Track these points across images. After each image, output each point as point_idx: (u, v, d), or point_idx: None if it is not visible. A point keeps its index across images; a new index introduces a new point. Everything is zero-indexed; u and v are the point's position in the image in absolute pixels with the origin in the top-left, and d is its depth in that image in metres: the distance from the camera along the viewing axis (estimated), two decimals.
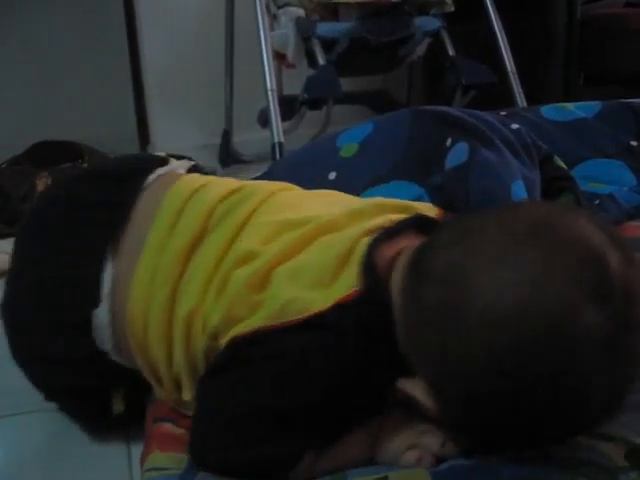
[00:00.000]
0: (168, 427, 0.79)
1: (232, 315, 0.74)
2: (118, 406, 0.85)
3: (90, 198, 0.87)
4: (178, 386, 0.79)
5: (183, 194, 0.84)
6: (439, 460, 0.70)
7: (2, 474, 0.88)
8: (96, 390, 0.85)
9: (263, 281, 0.75)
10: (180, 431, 0.78)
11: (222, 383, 0.72)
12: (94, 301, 0.80)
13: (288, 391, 0.70)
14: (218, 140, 2.60)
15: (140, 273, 0.80)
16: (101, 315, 0.80)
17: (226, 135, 2.59)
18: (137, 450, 0.79)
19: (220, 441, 0.70)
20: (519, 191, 1.20)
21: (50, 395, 0.90)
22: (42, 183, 1.97)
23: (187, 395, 0.78)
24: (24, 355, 0.87)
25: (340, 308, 0.71)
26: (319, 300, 0.71)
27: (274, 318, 0.72)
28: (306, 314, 0.71)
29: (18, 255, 0.89)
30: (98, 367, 0.83)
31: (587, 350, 0.60)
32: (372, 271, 0.72)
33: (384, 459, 0.72)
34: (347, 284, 0.72)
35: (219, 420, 0.71)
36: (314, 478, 0.71)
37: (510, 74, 2.24)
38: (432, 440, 0.71)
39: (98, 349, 0.81)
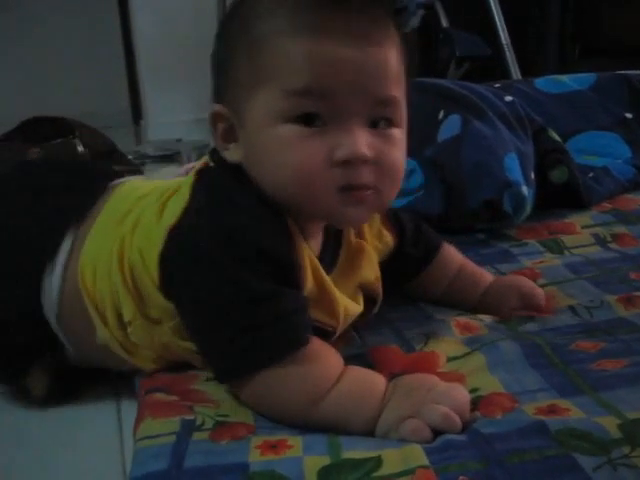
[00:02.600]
0: (160, 396, 0.78)
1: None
2: (38, 389, 0.88)
3: (60, 182, 0.93)
4: (122, 324, 0.82)
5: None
6: (438, 433, 0.68)
7: None
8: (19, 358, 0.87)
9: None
10: (172, 398, 0.78)
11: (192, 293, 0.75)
12: (50, 268, 0.85)
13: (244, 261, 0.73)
14: None
15: (92, 232, 0.86)
16: (54, 281, 0.84)
17: None
18: (129, 423, 0.79)
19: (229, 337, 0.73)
20: (512, 163, 1.20)
21: None
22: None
23: (127, 315, 0.81)
24: None
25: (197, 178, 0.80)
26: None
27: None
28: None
29: None
30: (34, 332, 0.86)
31: None
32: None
33: (384, 424, 0.70)
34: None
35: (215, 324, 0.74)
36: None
37: (505, 46, 2.22)
38: (432, 412, 0.68)
39: (42, 318, 0.85)
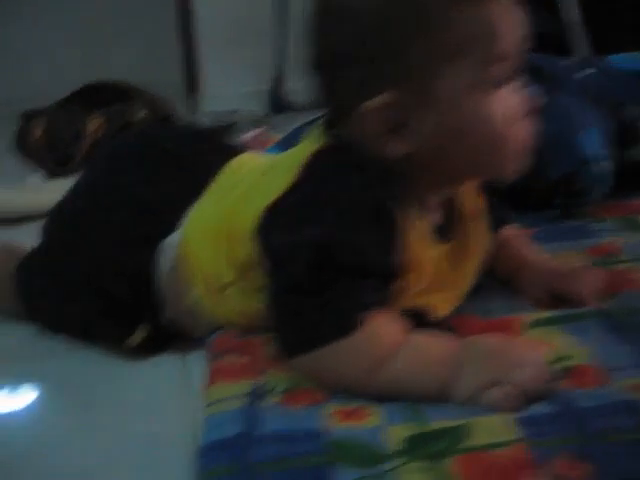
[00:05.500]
0: (231, 359, 0.77)
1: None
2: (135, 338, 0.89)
3: (202, 150, 0.97)
4: (218, 287, 0.83)
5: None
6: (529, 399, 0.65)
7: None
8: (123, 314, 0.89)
9: None
10: (244, 360, 0.77)
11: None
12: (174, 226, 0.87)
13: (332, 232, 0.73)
14: (270, 86, 2.56)
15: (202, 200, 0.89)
16: (173, 240, 0.86)
17: (277, 80, 2.54)
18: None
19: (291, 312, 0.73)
20: (587, 140, 1.16)
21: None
22: (93, 124, 1.96)
23: (228, 277, 0.82)
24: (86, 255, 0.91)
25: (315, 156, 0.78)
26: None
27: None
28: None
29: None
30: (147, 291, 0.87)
31: None
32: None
33: (464, 391, 0.67)
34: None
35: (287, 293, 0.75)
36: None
37: (575, 25, 2.18)
38: (521, 376, 0.66)
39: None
